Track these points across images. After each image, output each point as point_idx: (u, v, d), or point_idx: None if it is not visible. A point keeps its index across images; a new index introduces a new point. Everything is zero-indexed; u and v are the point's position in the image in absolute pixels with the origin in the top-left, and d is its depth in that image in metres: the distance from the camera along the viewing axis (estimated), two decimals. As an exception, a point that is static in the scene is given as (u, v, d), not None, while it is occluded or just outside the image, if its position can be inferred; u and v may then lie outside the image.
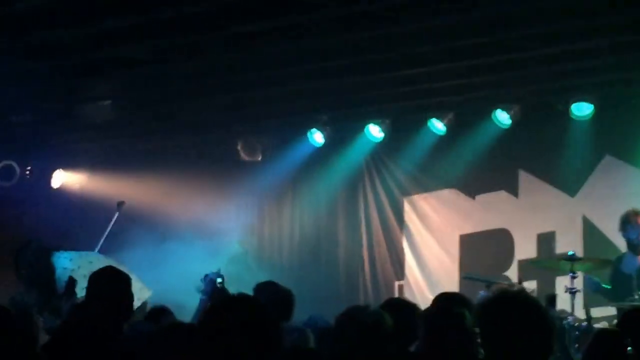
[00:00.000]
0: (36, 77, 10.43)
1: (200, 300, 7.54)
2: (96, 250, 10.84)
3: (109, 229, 11.23)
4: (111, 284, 6.00)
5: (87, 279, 9.06)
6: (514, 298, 4.12)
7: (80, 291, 8.70)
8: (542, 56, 10.40)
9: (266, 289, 7.13)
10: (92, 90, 11.05)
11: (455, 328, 5.48)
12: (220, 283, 7.53)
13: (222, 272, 7.69)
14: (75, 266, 9.25)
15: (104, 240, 11.08)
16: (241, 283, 7.99)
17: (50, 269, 9.20)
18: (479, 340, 4.22)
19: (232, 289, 7.54)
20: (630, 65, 10.63)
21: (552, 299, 8.48)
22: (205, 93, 11.61)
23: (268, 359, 3.68)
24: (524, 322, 3.94)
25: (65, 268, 9.22)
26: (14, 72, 10.07)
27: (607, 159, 12.06)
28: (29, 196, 12.33)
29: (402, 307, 6.34)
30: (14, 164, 12.10)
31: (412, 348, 6.04)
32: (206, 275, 7.31)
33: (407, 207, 13.63)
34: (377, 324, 5.61)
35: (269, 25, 9.22)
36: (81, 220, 12.33)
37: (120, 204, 11.28)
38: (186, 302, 8.03)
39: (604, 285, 10.44)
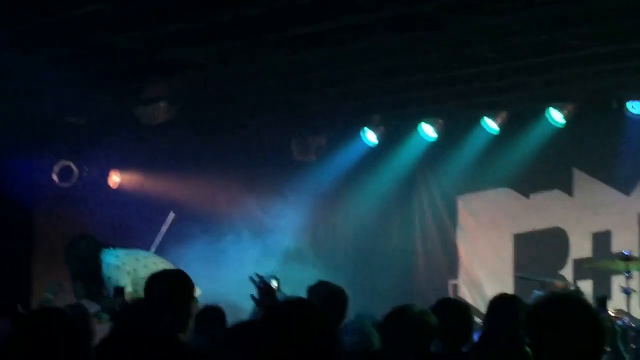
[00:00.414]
0: (93, 78, 10.57)
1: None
2: (152, 250, 10.95)
3: (164, 230, 11.35)
4: (169, 285, 5.96)
5: (131, 275, 9.23)
6: (565, 299, 4.11)
7: (126, 287, 8.85)
8: (596, 55, 10.34)
9: (320, 289, 7.11)
10: (149, 92, 11.17)
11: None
12: (275, 286, 7.40)
13: (275, 274, 7.62)
14: (120, 262, 9.36)
15: (159, 240, 11.21)
16: (294, 282, 8.01)
17: (97, 263, 9.33)
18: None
19: (287, 289, 7.55)
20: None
21: (602, 301, 8.39)
22: (261, 93, 11.69)
23: None
24: (574, 324, 3.92)
25: (109, 264, 9.33)
26: (72, 74, 10.20)
27: (662, 157, 11.99)
28: (88, 196, 12.50)
29: (455, 307, 6.36)
30: (72, 165, 12.27)
31: (465, 348, 6.06)
32: (260, 277, 7.13)
33: (460, 206, 13.64)
34: (422, 323, 5.67)
35: (324, 27, 9.27)
36: (137, 219, 12.46)
37: (173, 218, 11.35)
38: (239, 302, 8.06)
39: None
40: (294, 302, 4.04)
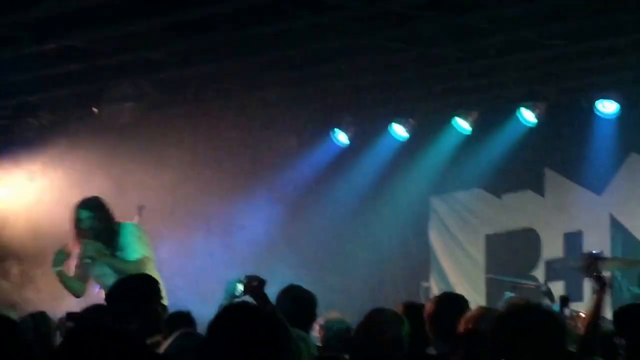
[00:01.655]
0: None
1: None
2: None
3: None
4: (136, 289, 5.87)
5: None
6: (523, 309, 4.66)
7: None
8: (567, 54, 10.39)
9: (289, 293, 7.11)
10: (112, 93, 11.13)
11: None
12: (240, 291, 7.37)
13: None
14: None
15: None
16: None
17: None
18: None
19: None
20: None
21: (565, 300, 8.86)
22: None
23: None
24: (534, 329, 4.35)
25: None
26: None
27: (633, 157, 12.03)
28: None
29: (418, 310, 6.32)
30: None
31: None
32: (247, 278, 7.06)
33: (432, 206, 13.60)
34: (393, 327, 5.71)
35: (286, 26, 9.28)
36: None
37: (140, 207, 11.15)
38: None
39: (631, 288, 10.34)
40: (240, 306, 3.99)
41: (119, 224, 8.69)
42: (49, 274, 8.87)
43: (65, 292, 8.74)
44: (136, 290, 5.85)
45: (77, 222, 8.58)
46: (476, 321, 5.41)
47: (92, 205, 8.65)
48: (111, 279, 8.08)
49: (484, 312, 5.55)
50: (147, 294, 5.84)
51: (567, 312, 9.21)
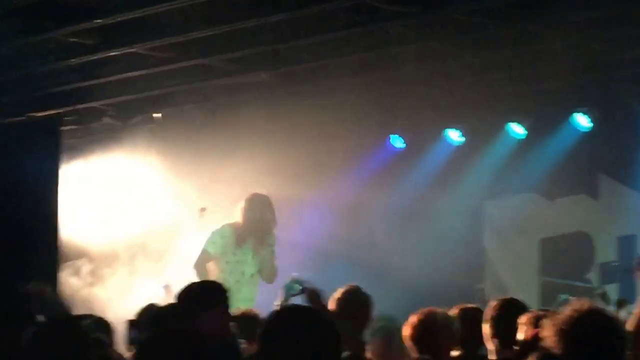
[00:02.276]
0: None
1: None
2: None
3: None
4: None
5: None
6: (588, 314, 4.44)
7: None
8: (619, 60, 10.46)
9: (347, 294, 7.17)
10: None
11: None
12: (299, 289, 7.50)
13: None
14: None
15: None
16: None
17: None
18: None
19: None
20: None
21: (622, 303, 9.08)
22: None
23: None
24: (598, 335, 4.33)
25: None
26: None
27: (684, 161, 12.07)
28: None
29: (471, 313, 6.48)
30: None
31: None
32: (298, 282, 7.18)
33: (488, 210, 13.73)
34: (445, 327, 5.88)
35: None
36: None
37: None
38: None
39: None
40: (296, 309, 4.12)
41: None
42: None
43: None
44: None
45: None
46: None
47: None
48: None
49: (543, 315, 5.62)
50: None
51: (623, 314, 9.32)
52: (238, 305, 7.86)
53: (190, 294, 5.90)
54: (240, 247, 9.81)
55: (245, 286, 9.72)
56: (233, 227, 9.88)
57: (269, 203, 9.90)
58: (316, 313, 3.95)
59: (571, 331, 4.25)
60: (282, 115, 12.39)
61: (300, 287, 7.39)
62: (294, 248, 12.75)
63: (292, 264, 10.85)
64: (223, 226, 9.89)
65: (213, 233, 9.85)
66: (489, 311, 6.10)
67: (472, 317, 6.35)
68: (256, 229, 9.83)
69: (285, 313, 3.92)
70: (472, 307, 6.69)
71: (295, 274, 7.61)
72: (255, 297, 9.80)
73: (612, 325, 4.36)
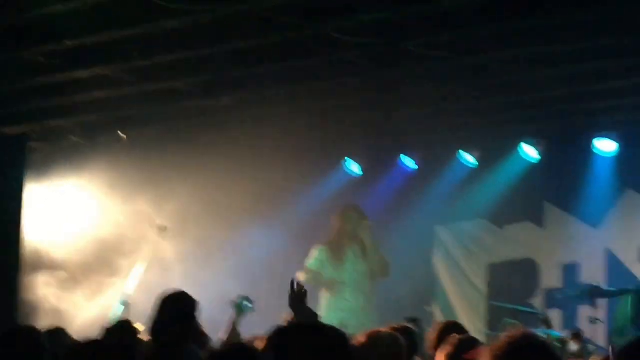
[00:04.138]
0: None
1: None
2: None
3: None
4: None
5: None
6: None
7: None
8: (568, 95, 10.77)
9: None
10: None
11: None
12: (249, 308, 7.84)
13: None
14: None
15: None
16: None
17: None
18: None
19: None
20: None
21: (546, 321, 9.93)
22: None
23: None
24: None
25: None
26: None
27: (629, 194, 12.38)
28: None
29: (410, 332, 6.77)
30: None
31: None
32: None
33: (438, 235, 14.03)
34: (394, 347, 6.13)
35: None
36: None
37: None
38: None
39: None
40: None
41: None
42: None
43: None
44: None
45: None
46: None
47: None
48: None
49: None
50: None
51: (574, 347, 9.64)
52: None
53: None
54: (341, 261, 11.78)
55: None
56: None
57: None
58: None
59: (505, 357, 4.36)
60: (242, 138, 12.63)
61: (251, 305, 7.81)
62: (246, 266, 13.05)
63: (244, 283, 11.17)
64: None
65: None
66: (431, 332, 6.47)
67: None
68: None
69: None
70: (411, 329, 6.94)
71: (241, 294, 8.00)
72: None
73: (545, 350, 4.45)
